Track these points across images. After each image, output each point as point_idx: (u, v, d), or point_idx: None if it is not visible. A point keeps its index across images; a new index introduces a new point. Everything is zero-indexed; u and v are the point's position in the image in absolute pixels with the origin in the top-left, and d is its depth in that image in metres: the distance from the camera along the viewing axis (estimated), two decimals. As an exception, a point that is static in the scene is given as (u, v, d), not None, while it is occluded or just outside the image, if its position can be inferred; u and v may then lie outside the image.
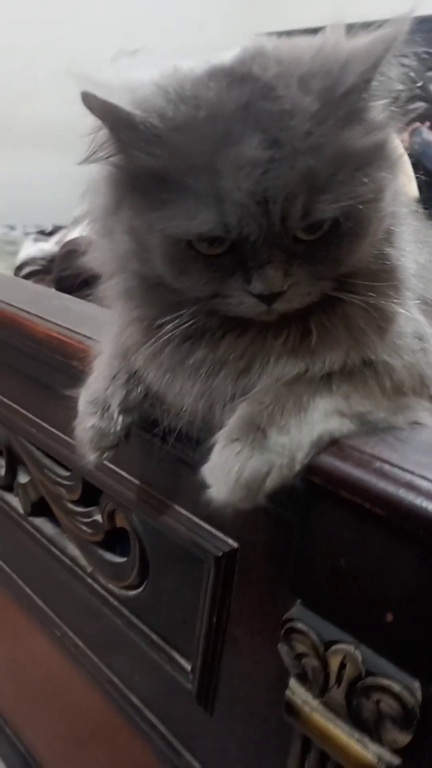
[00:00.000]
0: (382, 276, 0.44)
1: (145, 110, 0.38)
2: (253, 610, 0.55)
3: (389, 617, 0.41)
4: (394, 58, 0.38)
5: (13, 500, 0.92)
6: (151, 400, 0.52)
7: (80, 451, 0.54)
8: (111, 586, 0.73)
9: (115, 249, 0.45)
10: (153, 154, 0.38)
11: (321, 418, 0.42)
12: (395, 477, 0.40)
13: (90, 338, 0.65)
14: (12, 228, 2.04)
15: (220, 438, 0.44)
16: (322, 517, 0.43)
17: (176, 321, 0.44)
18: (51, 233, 1.82)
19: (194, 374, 0.46)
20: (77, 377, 0.64)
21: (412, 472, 0.39)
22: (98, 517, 0.73)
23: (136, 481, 0.64)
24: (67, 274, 1.39)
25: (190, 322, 0.44)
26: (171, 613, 0.67)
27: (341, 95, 0.37)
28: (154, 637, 0.68)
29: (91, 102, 0.39)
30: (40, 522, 0.87)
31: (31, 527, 0.88)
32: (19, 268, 1.56)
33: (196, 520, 0.59)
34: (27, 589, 0.92)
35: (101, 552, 0.74)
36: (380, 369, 0.45)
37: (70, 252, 1.53)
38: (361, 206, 0.38)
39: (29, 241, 1.72)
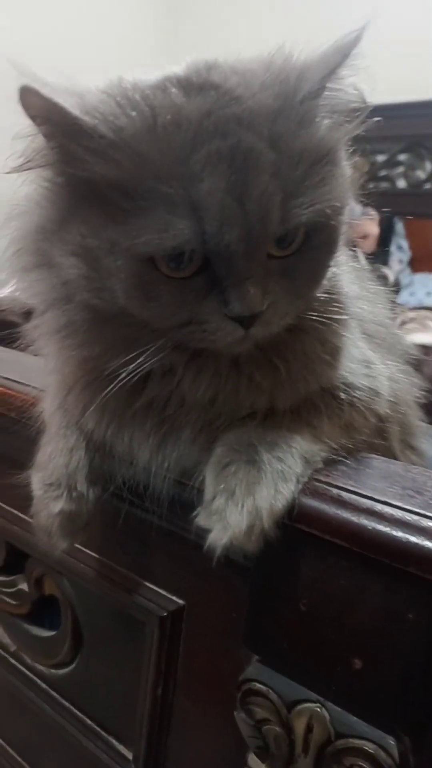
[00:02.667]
0: (332, 305, 0.43)
1: (94, 116, 0.35)
2: (204, 674, 0.49)
3: (357, 664, 0.37)
4: (346, 69, 0.38)
5: None
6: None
7: (47, 540, 0.46)
8: (38, 666, 0.64)
9: (54, 277, 0.39)
10: (108, 163, 0.35)
11: (303, 439, 0.41)
12: (355, 504, 0.37)
13: (19, 382, 0.60)
14: None
15: (209, 473, 0.40)
16: (277, 555, 0.40)
17: (140, 360, 0.38)
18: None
19: (145, 418, 0.42)
20: (4, 427, 0.58)
21: (372, 498, 0.37)
22: (24, 586, 0.65)
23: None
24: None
25: (154, 360, 0.38)
26: (108, 692, 0.59)
27: (299, 101, 0.37)
28: (88, 722, 0.59)
29: (31, 100, 0.35)
30: None
31: None
32: None
33: (135, 578, 0.53)
34: None
35: (27, 626, 0.65)
36: (338, 396, 0.44)
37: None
38: (329, 214, 0.38)
39: None
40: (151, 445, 0.43)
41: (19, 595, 0.65)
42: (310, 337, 0.43)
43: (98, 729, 0.59)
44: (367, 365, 0.47)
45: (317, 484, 0.39)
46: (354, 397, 0.44)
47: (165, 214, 0.34)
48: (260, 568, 0.41)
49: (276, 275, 0.38)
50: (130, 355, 0.39)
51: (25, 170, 0.38)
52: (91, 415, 0.45)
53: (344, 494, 0.38)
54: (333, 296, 0.44)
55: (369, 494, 0.37)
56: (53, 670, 0.63)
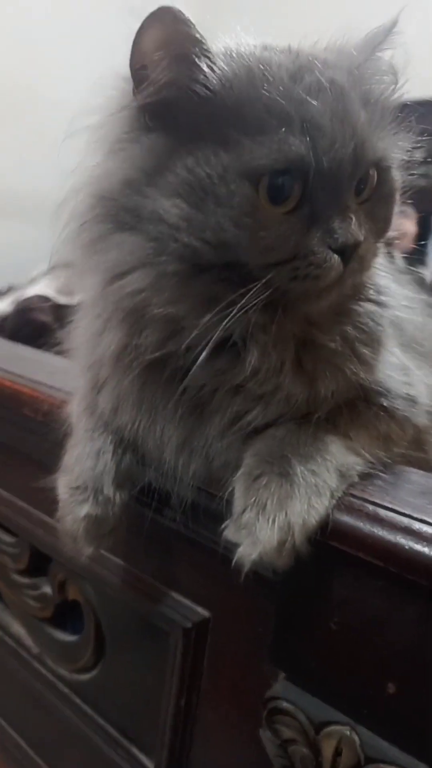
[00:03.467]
0: (376, 299, 0.45)
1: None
2: (229, 688, 0.48)
3: (391, 688, 0.36)
4: (385, 46, 0.43)
5: None
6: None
7: (72, 545, 0.46)
8: (60, 670, 0.64)
9: (141, 234, 0.39)
10: (224, 86, 0.37)
11: (339, 452, 0.40)
12: (391, 522, 0.36)
13: (46, 385, 0.60)
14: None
15: (239, 485, 0.39)
16: (307, 572, 0.38)
17: (251, 294, 0.37)
18: (5, 293, 1.78)
19: (177, 406, 0.42)
20: (31, 429, 0.58)
21: (410, 516, 0.35)
22: (47, 589, 0.65)
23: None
24: (21, 330, 1.35)
25: (236, 318, 0.37)
26: (130, 700, 0.58)
27: (357, 65, 0.42)
28: (109, 729, 0.59)
29: (162, 24, 0.36)
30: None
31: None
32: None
33: (160, 587, 0.52)
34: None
35: (50, 630, 0.65)
36: (377, 402, 0.43)
37: (25, 310, 1.50)
38: (393, 159, 0.42)
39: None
40: (179, 434, 0.42)
41: (43, 598, 0.65)
42: (355, 328, 0.43)
43: (119, 737, 0.58)
44: (405, 372, 0.45)
45: (352, 499, 0.38)
46: (393, 405, 0.43)
47: (280, 132, 0.37)
48: (289, 584, 0.40)
49: (361, 215, 0.40)
50: (214, 314, 0.38)
51: (152, 95, 0.39)
52: (126, 408, 0.44)
53: (381, 511, 0.36)
54: (376, 292, 0.45)
55: (407, 512, 0.36)
56: (75, 675, 0.63)
